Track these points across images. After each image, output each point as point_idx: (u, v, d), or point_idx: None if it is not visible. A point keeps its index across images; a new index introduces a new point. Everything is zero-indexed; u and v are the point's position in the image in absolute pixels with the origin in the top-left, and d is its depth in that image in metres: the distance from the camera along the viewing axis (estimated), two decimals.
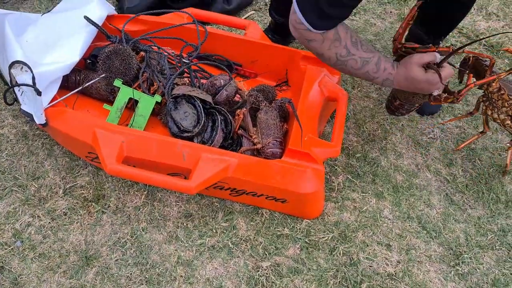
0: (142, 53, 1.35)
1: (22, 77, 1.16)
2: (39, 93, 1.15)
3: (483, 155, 1.42)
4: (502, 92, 1.19)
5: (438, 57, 1.09)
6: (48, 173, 1.31)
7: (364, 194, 1.32)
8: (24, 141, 1.36)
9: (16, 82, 1.17)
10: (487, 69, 1.18)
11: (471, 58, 1.21)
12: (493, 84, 1.18)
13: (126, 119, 1.33)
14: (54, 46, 1.28)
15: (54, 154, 1.34)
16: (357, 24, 1.85)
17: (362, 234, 1.24)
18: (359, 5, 1.91)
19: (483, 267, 1.19)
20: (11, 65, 1.17)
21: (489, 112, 1.24)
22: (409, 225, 1.26)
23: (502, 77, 1.17)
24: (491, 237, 1.24)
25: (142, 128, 1.30)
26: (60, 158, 1.34)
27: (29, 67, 1.15)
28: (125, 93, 1.30)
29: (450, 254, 1.22)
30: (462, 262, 1.20)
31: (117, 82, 1.30)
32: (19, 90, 1.21)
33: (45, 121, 1.19)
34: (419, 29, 1.49)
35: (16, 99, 1.25)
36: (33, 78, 1.15)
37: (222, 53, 1.49)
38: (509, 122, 1.22)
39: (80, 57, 1.28)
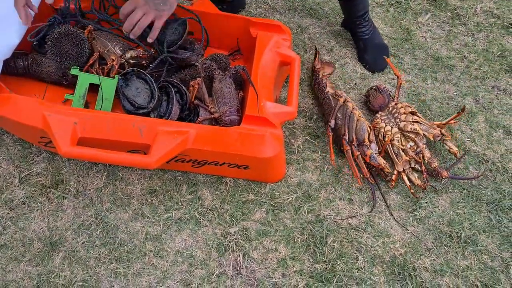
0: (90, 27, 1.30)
1: None
2: None
3: (432, 105, 1.48)
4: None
5: None
6: (0, 164, 1.26)
7: (323, 154, 1.36)
8: None
9: None
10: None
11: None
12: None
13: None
14: None
15: (5, 143, 1.29)
16: None
17: (324, 192, 1.28)
18: None
19: (439, 209, 1.26)
20: None
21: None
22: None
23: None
24: (445, 181, 1.31)
25: (109, 111, 1.26)
26: (11, 147, 1.29)
27: None
28: (84, 79, 1.26)
29: (408, 201, 1.28)
30: (419, 208, 1.26)
31: (74, 71, 1.26)
32: None
33: None
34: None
35: None
36: None
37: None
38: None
39: (20, 39, 1.22)
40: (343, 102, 1.36)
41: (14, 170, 1.25)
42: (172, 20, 1.31)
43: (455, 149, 1.30)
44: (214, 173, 1.29)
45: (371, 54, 1.58)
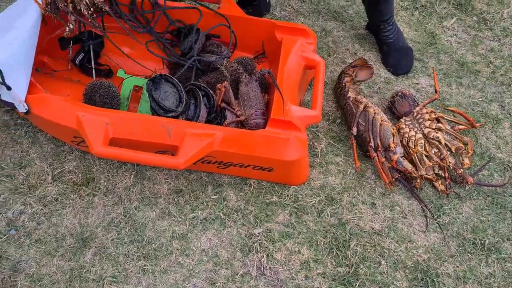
0: None
1: None
2: (8, 88, 1.14)
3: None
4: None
5: None
6: (35, 161, 1.31)
7: (347, 158, 1.37)
8: (6, 131, 1.36)
9: None
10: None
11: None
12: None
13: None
14: (9, 27, 1.25)
15: (39, 142, 1.34)
16: None
17: (347, 196, 1.29)
18: None
19: (463, 216, 1.27)
20: None
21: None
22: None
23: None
24: (469, 188, 1.31)
25: (148, 113, 1.31)
26: (45, 145, 1.34)
27: None
28: (128, 82, 1.33)
29: (431, 207, 1.28)
30: (443, 214, 1.27)
31: (120, 73, 1.35)
32: None
33: (26, 110, 1.19)
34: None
35: None
36: (1, 73, 1.13)
37: (199, 26, 1.48)
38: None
39: (37, 24, 1.26)
40: (364, 108, 1.36)
41: (47, 167, 1.30)
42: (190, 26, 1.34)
43: (467, 164, 1.30)
44: (239, 174, 1.31)
45: (395, 57, 1.58)
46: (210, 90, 1.29)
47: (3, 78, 1.13)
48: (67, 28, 1.27)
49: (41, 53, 1.39)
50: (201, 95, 1.27)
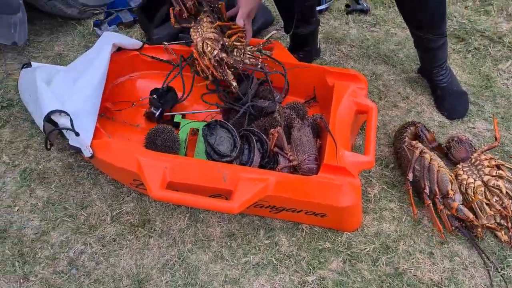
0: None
1: (62, 120, 1.23)
2: (77, 134, 1.22)
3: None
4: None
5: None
6: (95, 202, 1.37)
7: (401, 204, 1.34)
8: (70, 173, 1.44)
9: (57, 126, 1.25)
10: None
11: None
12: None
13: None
14: (78, 78, 1.35)
15: (100, 183, 1.41)
16: (378, 35, 1.88)
17: (403, 244, 1.25)
18: (378, 16, 1.95)
19: None
20: (50, 113, 1.23)
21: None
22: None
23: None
24: None
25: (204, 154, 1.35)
26: (105, 186, 1.40)
27: (67, 113, 1.22)
28: (186, 126, 1.41)
29: (494, 258, 1.22)
30: (507, 266, 1.20)
31: (177, 118, 1.43)
32: (66, 131, 1.27)
33: (91, 154, 1.26)
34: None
35: (51, 144, 1.31)
36: (71, 120, 1.22)
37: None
38: None
39: (104, 74, 1.36)
40: (419, 153, 1.34)
41: (107, 208, 1.35)
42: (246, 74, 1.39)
43: None
44: (291, 219, 1.31)
45: (450, 101, 1.55)
46: (263, 136, 1.32)
47: (72, 125, 1.22)
48: (234, 84, 1.36)
49: (103, 99, 1.48)
50: (254, 140, 1.30)
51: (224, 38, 1.34)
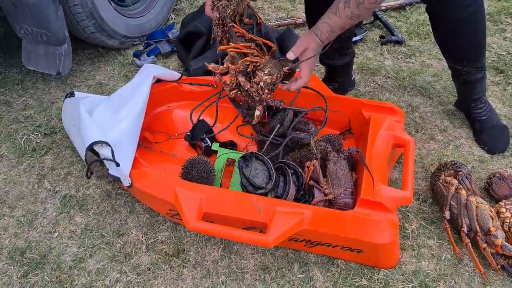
0: None
1: (103, 151, 1.28)
2: (117, 164, 1.26)
3: None
4: None
5: None
6: (131, 230, 1.39)
7: (440, 241, 1.30)
8: (108, 200, 1.47)
9: (99, 156, 1.29)
10: None
11: None
12: None
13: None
14: (119, 109, 1.40)
15: (136, 211, 1.43)
16: (413, 66, 1.87)
17: (443, 284, 1.21)
18: (413, 47, 1.94)
19: None
20: (93, 144, 1.28)
21: None
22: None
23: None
24: None
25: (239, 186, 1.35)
26: (141, 215, 1.43)
27: (108, 144, 1.27)
28: (222, 156, 1.43)
29: None
30: None
31: (215, 146, 1.46)
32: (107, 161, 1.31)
33: (130, 183, 1.29)
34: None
35: (91, 173, 1.36)
36: (112, 151, 1.26)
37: (287, 103, 1.53)
38: None
39: (144, 105, 1.39)
40: (455, 190, 1.30)
41: (142, 236, 1.37)
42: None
43: None
44: (326, 253, 1.29)
45: (489, 135, 1.52)
46: (299, 169, 1.32)
47: (113, 156, 1.25)
48: (257, 112, 1.28)
49: (142, 129, 1.52)
50: (290, 173, 1.30)
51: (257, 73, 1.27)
